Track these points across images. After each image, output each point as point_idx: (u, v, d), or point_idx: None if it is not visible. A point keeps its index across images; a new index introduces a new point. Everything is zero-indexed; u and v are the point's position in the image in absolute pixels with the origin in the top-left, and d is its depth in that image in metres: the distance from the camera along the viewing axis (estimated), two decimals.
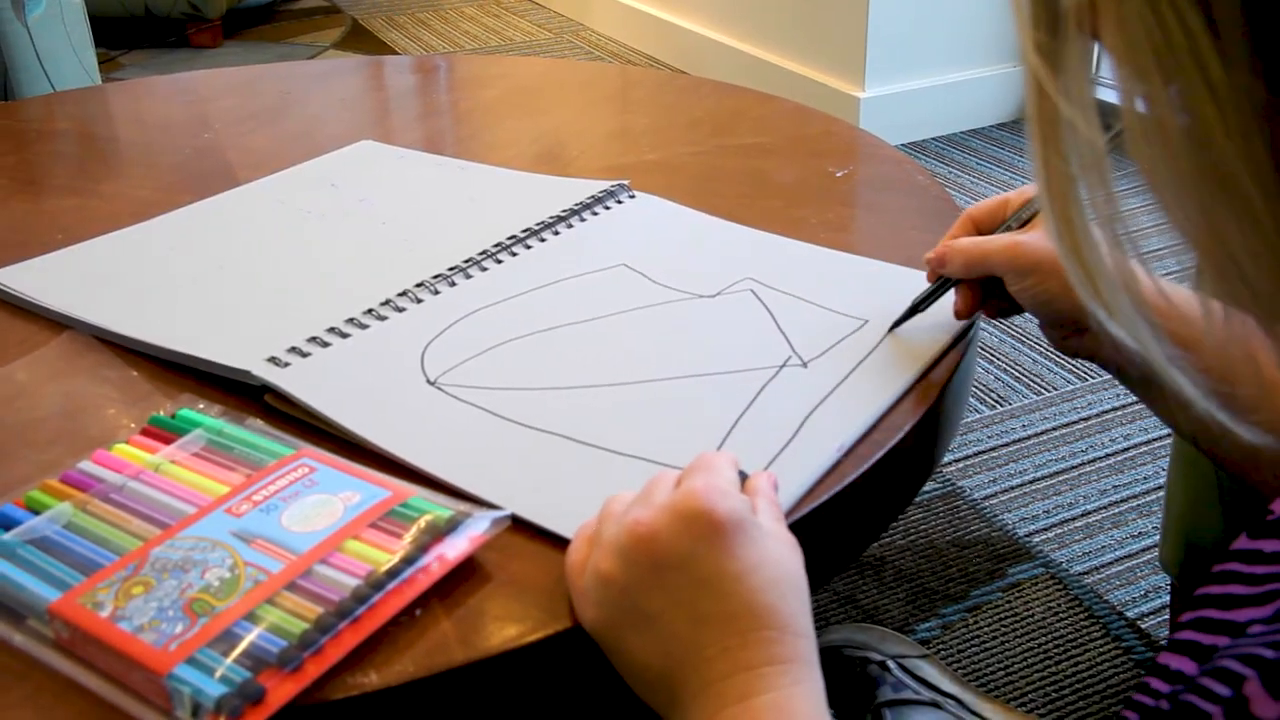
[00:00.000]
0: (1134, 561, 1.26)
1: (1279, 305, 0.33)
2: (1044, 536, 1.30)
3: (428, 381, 0.64)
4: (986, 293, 0.67)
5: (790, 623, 0.46)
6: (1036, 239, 0.63)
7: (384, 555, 0.50)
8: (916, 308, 0.69)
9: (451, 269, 0.76)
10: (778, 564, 0.47)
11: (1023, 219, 0.66)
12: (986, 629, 1.17)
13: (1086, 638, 1.16)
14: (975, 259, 0.65)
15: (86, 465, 0.57)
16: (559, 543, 0.53)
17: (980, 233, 0.68)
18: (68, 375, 0.67)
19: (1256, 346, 0.35)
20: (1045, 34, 0.33)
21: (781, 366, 0.65)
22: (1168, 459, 1.29)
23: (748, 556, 0.46)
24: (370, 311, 0.71)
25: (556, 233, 0.82)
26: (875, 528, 0.66)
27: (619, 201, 0.87)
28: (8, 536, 0.51)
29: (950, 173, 2.28)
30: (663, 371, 0.66)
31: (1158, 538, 1.28)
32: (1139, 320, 0.36)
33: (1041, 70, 0.34)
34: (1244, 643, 0.38)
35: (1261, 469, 0.59)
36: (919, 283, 0.72)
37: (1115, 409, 1.51)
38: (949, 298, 0.69)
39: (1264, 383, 0.38)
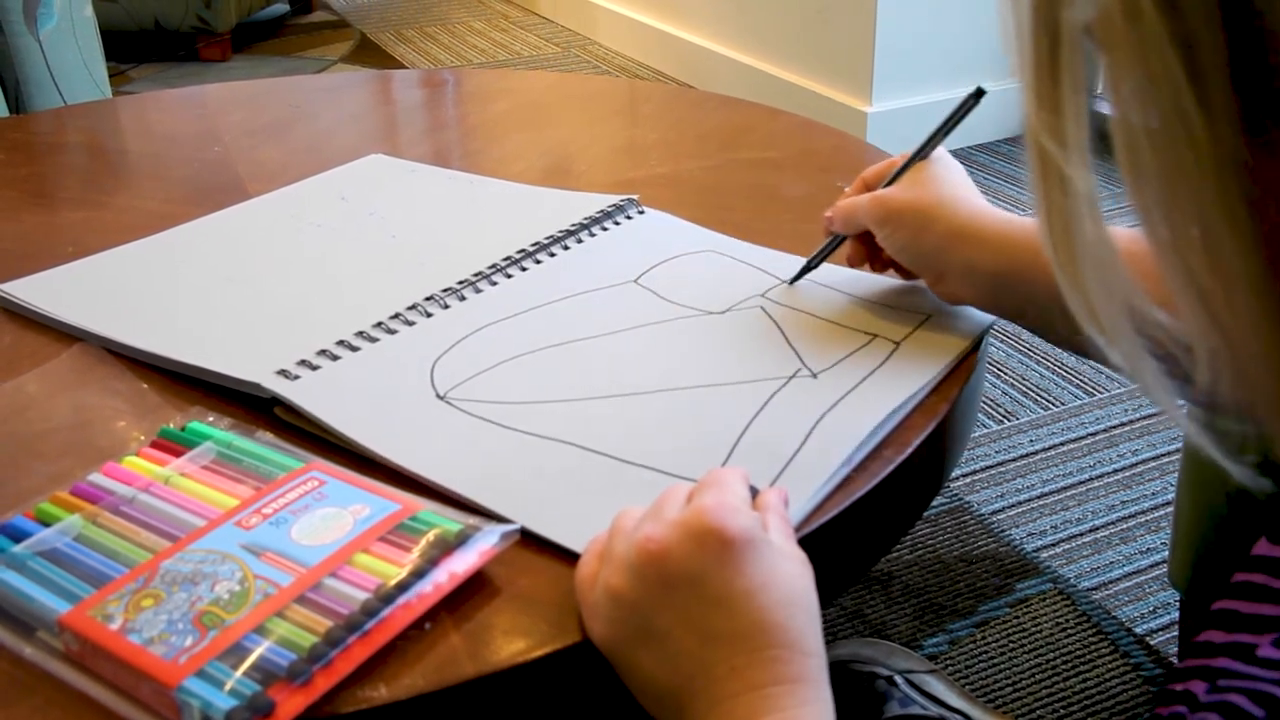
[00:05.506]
0: (1143, 577, 1.26)
1: (1256, 365, 0.33)
2: (1052, 552, 1.29)
3: (437, 396, 0.65)
4: (873, 247, 0.73)
5: (799, 642, 0.46)
6: (896, 192, 0.70)
7: (393, 569, 0.50)
8: (811, 263, 0.76)
9: (461, 283, 0.76)
10: (788, 582, 0.47)
11: (892, 178, 0.72)
12: (994, 644, 1.16)
13: (1095, 654, 1.15)
14: (850, 214, 0.72)
15: (96, 477, 0.57)
16: (568, 557, 0.53)
17: (870, 190, 0.73)
18: (78, 388, 0.67)
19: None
20: (1043, 79, 0.34)
21: (791, 377, 0.65)
22: (1176, 474, 1.29)
23: (758, 575, 0.46)
24: (380, 325, 0.71)
25: (566, 247, 0.82)
26: (884, 543, 0.66)
27: (628, 216, 0.87)
28: (18, 549, 0.51)
29: None
30: (672, 383, 0.66)
31: (1166, 554, 1.28)
32: (1138, 350, 0.36)
33: (1036, 113, 0.35)
34: (1255, 673, 0.37)
35: None
36: (928, 298, 0.72)
37: (1123, 424, 1.51)
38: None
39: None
